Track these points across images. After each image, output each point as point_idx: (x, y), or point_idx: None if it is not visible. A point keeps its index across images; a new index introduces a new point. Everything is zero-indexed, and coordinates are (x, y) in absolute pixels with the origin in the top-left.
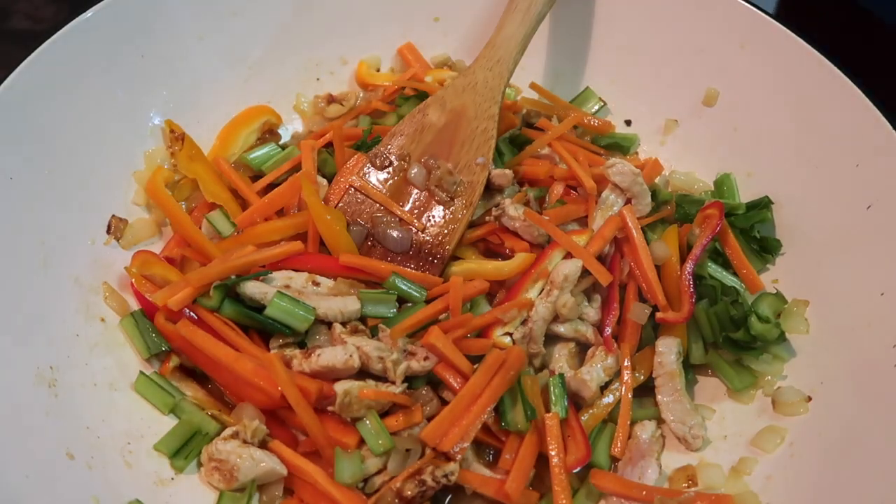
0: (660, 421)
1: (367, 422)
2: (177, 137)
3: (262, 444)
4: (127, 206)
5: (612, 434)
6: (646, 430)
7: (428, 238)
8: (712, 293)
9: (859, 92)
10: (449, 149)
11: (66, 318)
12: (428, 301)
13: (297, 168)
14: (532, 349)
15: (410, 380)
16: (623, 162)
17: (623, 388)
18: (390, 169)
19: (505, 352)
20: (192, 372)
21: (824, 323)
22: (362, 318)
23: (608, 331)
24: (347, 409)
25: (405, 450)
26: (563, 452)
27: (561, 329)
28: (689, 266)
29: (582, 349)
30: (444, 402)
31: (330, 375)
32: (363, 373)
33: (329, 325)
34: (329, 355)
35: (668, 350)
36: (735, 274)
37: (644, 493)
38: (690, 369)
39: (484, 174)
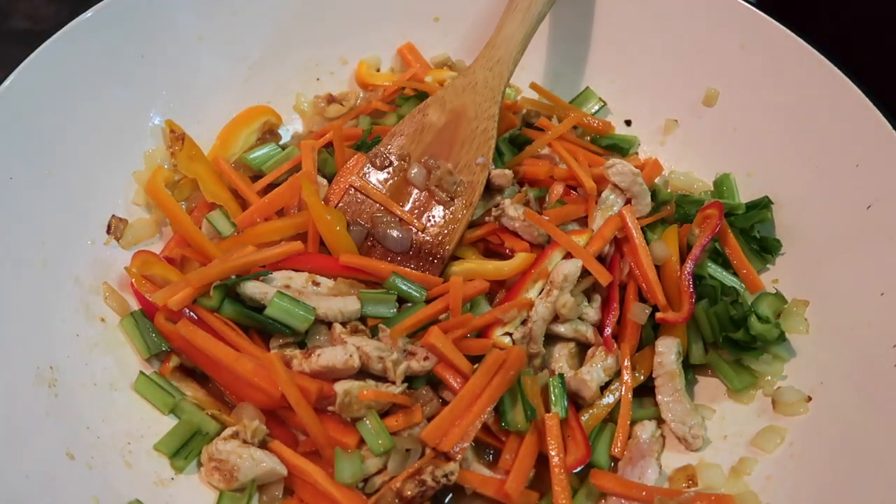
0: (660, 421)
1: (367, 422)
2: (177, 137)
3: (262, 444)
4: (127, 206)
5: (612, 434)
6: (646, 430)
7: (428, 238)
8: (712, 293)
9: (859, 92)
10: (449, 149)
11: (66, 318)
12: (428, 301)
13: (297, 168)
14: (532, 349)
15: (410, 380)
16: (623, 162)
17: (623, 388)
18: (390, 169)
19: (505, 352)
20: (192, 372)
21: (824, 323)
22: (362, 318)
23: (608, 331)
24: (347, 409)
25: (405, 450)
26: (563, 452)
27: (561, 329)
28: (688, 266)
29: (582, 349)
30: (444, 402)
31: (330, 375)
32: (363, 373)
33: (329, 325)
34: (329, 355)
35: (667, 350)
36: (735, 274)
37: (644, 493)
38: (690, 369)
39: (484, 174)
